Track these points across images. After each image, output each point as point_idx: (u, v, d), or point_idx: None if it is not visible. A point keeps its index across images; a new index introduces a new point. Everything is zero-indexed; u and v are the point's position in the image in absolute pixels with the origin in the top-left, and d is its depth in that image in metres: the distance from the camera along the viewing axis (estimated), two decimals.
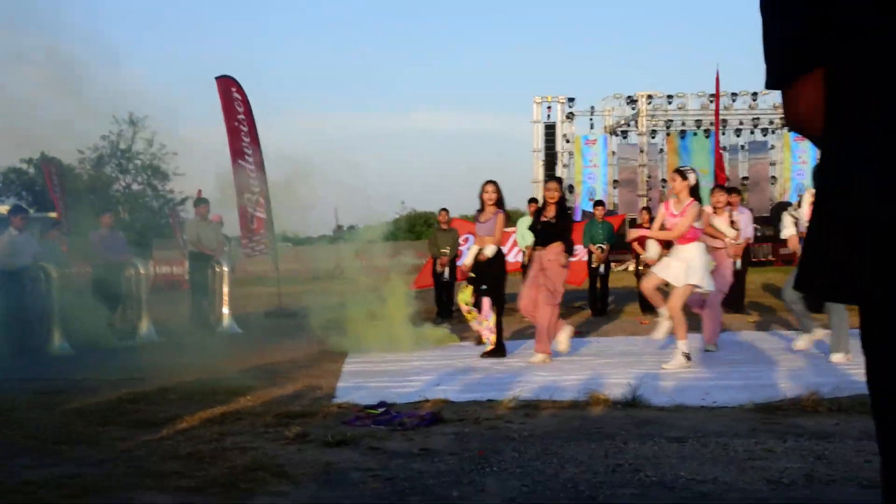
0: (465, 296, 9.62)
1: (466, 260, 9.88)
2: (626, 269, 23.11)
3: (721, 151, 15.95)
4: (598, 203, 14.39)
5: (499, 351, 9.21)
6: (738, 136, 35.54)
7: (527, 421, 5.82)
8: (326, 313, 11.69)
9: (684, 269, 8.16)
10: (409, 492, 4.24)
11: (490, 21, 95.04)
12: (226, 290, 12.82)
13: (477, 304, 9.36)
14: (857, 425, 5.43)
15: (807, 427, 5.41)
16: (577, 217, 34.92)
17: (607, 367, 8.22)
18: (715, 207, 11.53)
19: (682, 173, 8.50)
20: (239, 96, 14.37)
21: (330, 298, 13.51)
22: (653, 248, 9.92)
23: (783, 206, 32.35)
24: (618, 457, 4.74)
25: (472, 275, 9.54)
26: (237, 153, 14.31)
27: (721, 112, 35.49)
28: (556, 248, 8.82)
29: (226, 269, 12.96)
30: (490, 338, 9.28)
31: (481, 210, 9.53)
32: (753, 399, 6.47)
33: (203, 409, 6.47)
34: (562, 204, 9.03)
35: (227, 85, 14.37)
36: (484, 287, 9.28)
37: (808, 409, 5.91)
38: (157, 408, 6.69)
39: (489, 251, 9.26)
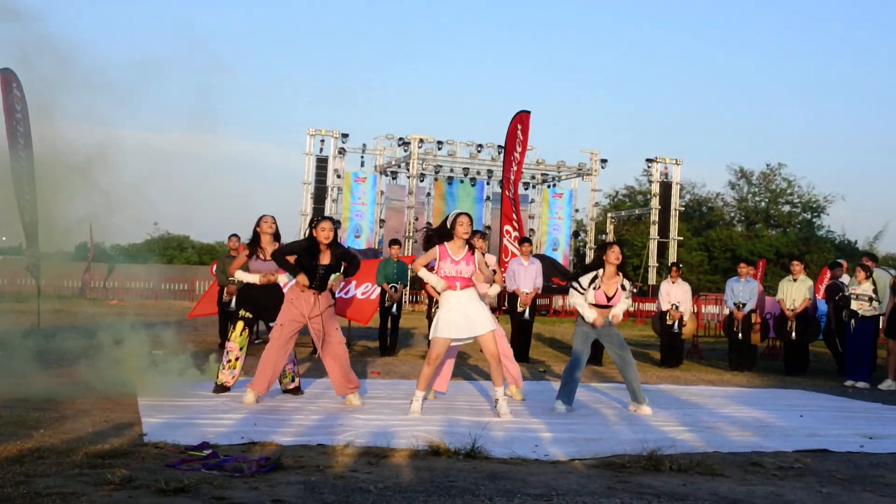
0: (242, 340, 8.73)
1: (250, 278, 8.77)
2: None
3: (510, 202, 16.17)
4: (394, 242, 14.19)
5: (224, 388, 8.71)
6: (500, 186, 36.77)
7: (373, 471, 5.44)
8: (89, 340, 10.77)
9: (475, 317, 7.90)
10: None
11: (265, 49, 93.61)
12: None
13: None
14: (704, 487, 5.47)
15: (658, 487, 5.37)
16: None
17: (427, 411, 7.95)
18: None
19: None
20: (18, 93, 13.05)
21: (86, 322, 12.54)
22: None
23: (551, 262, 33.65)
24: None
25: (248, 314, 8.81)
26: (13, 154, 12.94)
27: (488, 163, 36.71)
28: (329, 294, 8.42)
29: None
30: (228, 381, 8.73)
31: (257, 244, 8.88)
32: (582, 452, 6.44)
33: None
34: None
35: (9, 79, 13.02)
36: (272, 324, 8.67)
37: (649, 468, 5.91)
38: None
39: (283, 278, 8.77)
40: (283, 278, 8.84)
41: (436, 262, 7.93)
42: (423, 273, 8.05)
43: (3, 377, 8.95)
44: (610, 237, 40.35)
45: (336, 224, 8.70)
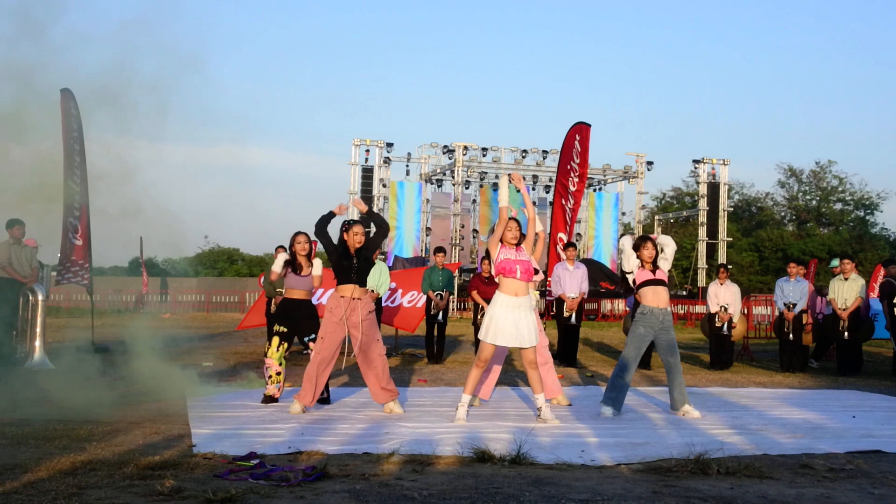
0: (279, 354, 8.88)
1: (279, 265, 9.07)
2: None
3: (564, 211, 16.13)
4: (439, 249, 14.23)
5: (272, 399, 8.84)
6: (546, 192, 36.67)
7: (417, 478, 5.47)
8: (144, 351, 10.98)
9: (523, 328, 7.88)
10: None
11: (310, 61, 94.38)
12: (39, 321, 11.71)
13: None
14: (752, 490, 5.41)
15: (705, 491, 5.33)
16: (390, 262, 34.94)
17: (472, 418, 7.96)
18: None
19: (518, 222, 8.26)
20: (75, 112, 13.39)
21: (142, 334, 12.75)
22: None
23: (595, 264, 33.50)
24: None
25: (283, 329, 8.92)
26: (68, 173, 13.27)
27: (533, 168, 36.66)
28: (371, 299, 8.46)
29: (40, 298, 11.85)
30: (276, 393, 8.86)
31: (293, 261, 8.99)
32: (629, 457, 6.40)
33: (46, 457, 5.74)
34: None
35: (67, 99, 13.39)
36: (312, 337, 8.76)
37: (696, 472, 5.86)
38: None
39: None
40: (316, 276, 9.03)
41: (497, 251, 7.94)
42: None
43: (56, 391, 9.14)
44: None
45: (368, 230, 8.82)
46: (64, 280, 14.03)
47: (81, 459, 5.72)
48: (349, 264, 8.32)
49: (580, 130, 15.74)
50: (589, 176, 38.24)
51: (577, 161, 15.95)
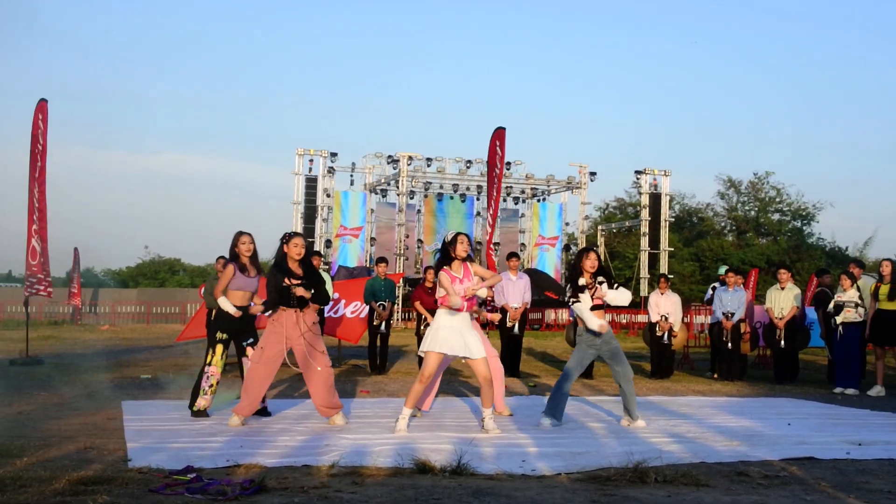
0: (222, 362, 8.67)
1: (231, 309, 8.72)
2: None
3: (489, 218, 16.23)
4: (381, 259, 14.21)
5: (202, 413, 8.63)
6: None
7: (357, 490, 5.43)
8: (78, 362, 10.82)
9: (470, 340, 7.89)
10: None
11: (253, 71, 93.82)
12: None
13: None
14: (689, 498, 5.47)
15: (643, 499, 5.37)
16: (333, 272, 34.78)
17: (413, 429, 7.94)
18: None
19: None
20: (42, 126, 13.28)
21: (76, 346, 12.56)
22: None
23: (538, 274, 33.71)
24: None
25: (224, 336, 8.66)
26: (33, 181, 13.14)
27: (477, 179, 36.77)
28: (314, 310, 8.35)
29: None
30: (209, 405, 8.67)
31: (235, 261, 8.67)
32: (569, 467, 6.43)
33: None
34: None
35: (43, 110, 13.28)
36: (251, 341, 8.65)
37: (635, 481, 5.91)
38: None
39: (257, 309, 8.66)
40: (258, 307, 8.76)
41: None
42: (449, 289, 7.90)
43: None
44: (601, 249, 40.35)
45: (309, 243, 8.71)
46: (33, 291, 13.79)
47: (11, 475, 5.58)
48: (288, 289, 8.09)
49: (499, 136, 15.89)
50: (532, 186, 38.52)
51: (498, 166, 16.11)
